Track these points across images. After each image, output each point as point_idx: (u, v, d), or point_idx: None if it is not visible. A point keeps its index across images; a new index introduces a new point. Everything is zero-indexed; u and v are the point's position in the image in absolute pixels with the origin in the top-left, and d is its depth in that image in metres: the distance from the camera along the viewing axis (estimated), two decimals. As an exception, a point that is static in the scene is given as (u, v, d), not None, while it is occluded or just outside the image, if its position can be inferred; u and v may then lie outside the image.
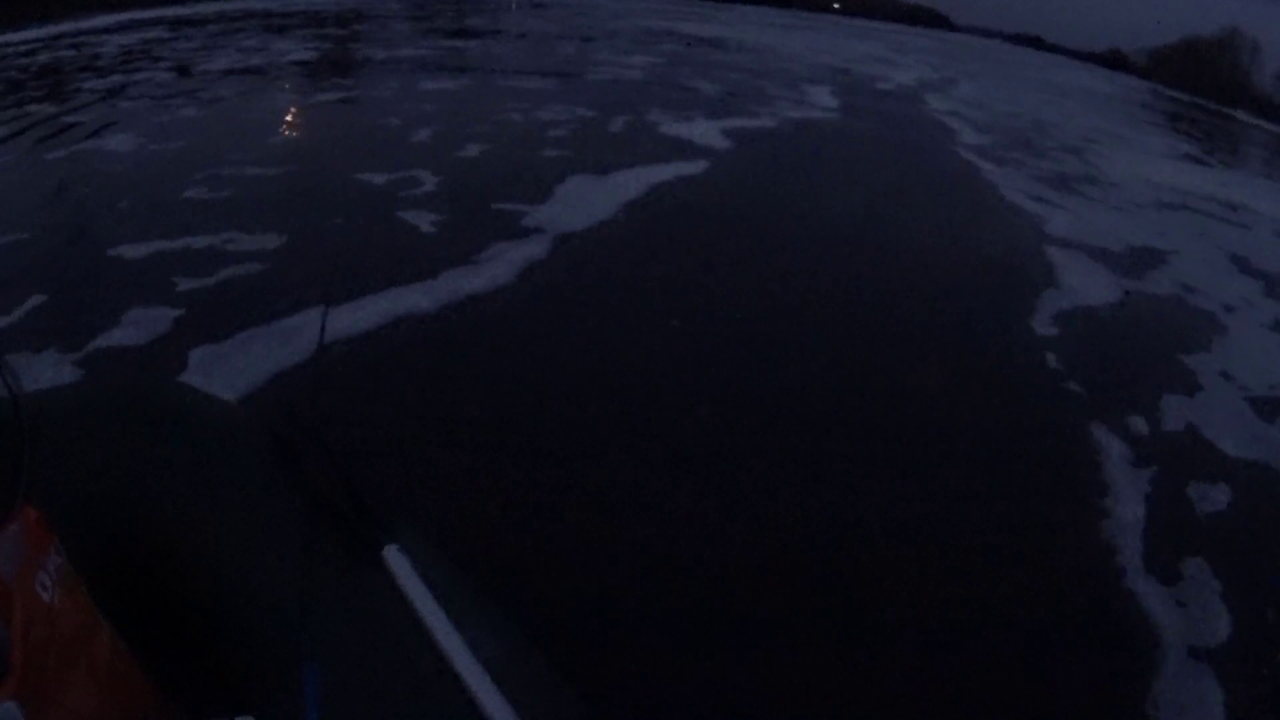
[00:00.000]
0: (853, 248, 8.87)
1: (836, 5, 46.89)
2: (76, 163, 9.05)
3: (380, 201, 8.30)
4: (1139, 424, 5.98)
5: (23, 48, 16.82)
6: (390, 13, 25.66)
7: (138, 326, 5.63)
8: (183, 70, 14.76)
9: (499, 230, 7.69)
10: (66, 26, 19.99)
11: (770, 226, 9.15)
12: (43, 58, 16.08)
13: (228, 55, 16.29)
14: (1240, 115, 47.33)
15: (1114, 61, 61.79)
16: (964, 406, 5.96)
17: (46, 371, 4.96)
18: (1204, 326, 8.39)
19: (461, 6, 29.54)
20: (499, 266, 6.94)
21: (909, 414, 5.74)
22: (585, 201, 8.60)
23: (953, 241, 9.63)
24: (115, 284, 6.24)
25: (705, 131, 12.42)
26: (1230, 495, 5.37)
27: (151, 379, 3.78)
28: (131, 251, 6.70)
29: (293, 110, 12.24)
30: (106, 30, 19.86)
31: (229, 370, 5.27)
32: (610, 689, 3.12)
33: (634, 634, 3.56)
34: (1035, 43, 48.67)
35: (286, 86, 14.06)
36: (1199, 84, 59.60)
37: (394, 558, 1.96)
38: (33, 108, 11.38)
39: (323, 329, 5.59)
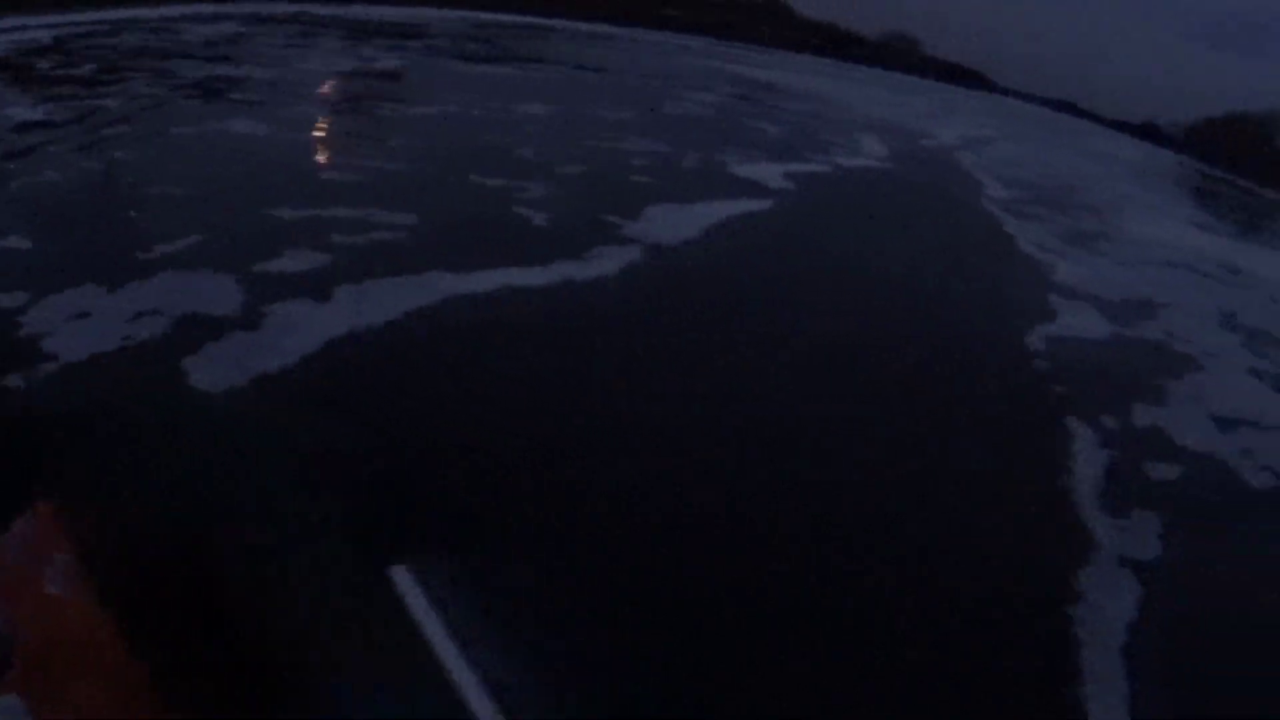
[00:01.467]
0: (884, 279, 10.69)
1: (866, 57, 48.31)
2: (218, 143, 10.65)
3: (497, 201, 10.09)
4: (1109, 420, 7.79)
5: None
6: (453, 31, 27.04)
7: (294, 261, 7.31)
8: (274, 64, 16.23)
9: (603, 237, 9.45)
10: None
11: (820, 255, 11.01)
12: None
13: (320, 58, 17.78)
14: (1270, 193, 48.49)
15: (1149, 133, 62.69)
16: (965, 404, 7.73)
17: (214, 288, 6.54)
18: (1182, 364, 10.16)
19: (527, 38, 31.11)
20: (604, 264, 8.69)
21: (919, 414, 7.38)
22: (676, 221, 10.48)
23: (969, 280, 11.51)
24: (278, 232, 7.92)
25: (769, 173, 14.34)
26: (1180, 469, 7.23)
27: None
28: (290, 214, 8.43)
29: (400, 117, 13.90)
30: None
31: (367, 304, 6.80)
32: (615, 709, 3.43)
33: (642, 659, 3.83)
34: (1070, 108, 49.71)
35: (383, 94, 15.61)
36: (1234, 160, 60.56)
37: (401, 578, 2.08)
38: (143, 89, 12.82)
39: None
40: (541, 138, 13.72)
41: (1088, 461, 6.92)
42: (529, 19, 32.72)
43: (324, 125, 12.52)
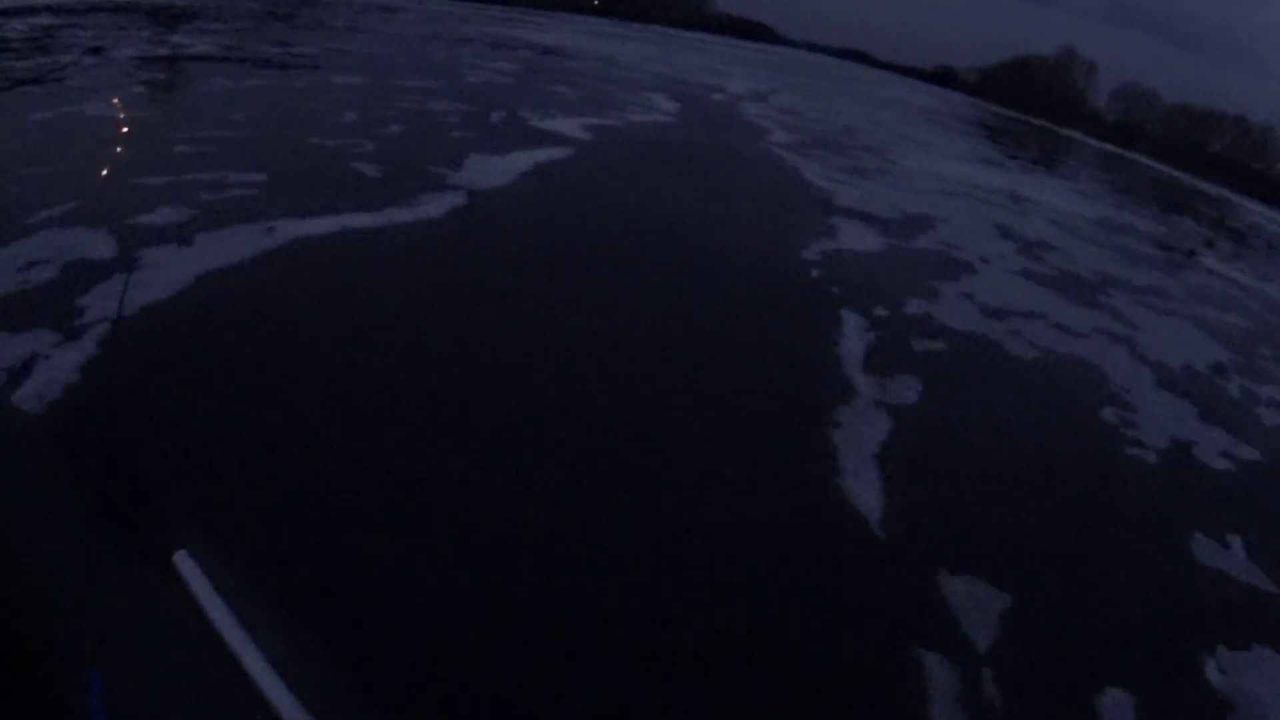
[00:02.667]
0: (678, 211, 11.66)
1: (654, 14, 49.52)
2: None
3: (333, 157, 10.95)
4: (881, 310, 8.98)
5: None
6: (250, 12, 27.33)
7: (160, 216, 8.11)
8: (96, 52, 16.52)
9: (428, 185, 10.40)
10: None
11: (619, 192, 11.99)
12: None
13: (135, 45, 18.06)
14: (1062, 131, 51.44)
15: (944, 78, 65.72)
16: (752, 303, 8.72)
17: (93, 241, 7.33)
18: (957, 268, 11.54)
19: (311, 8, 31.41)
20: (431, 208, 9.53)
21: (709, 308, 8.35)
22: (486, 170, 11.37)
23: (757, 204, 12.66)
24: (143, 194, 8.45)
25: (568, 126, 15.61)
26: (943, 344, 8.43)
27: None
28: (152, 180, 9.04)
29: (228, 91, 14.51)
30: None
31: (224, 247, 7.59)
32: (396, 686, 3.65)
33: (421, 630, 3.99)
34: (860, 57, 51.94)
35: (208, 75, 16.12)
36: (1029, 101, 64.35)
37: (184, 563, 1.99)
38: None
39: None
40: (361, 104, 14.62)
41: (859, 340, 8.06)
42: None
43: (161, 104, 13.07)
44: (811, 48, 50.84)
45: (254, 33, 22.99)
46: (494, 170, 11.37)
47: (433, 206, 9.50)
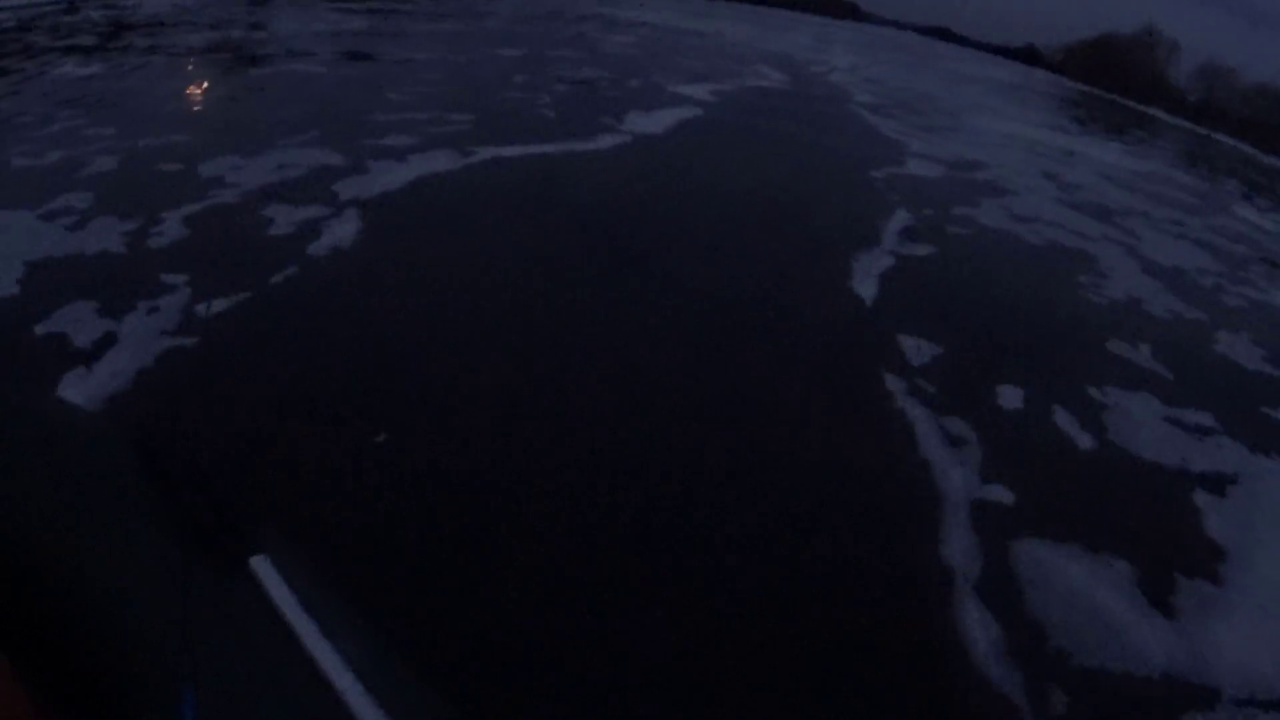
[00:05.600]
0: (788, 148, 14.93)
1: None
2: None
3: (518, 106, 14.44)
4: (929, 211, 12.06)
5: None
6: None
7: (387, 141, 10.82)
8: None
9: (599, 129, 13.71)
10: None
11: (744, 137, 15.51)
12: None
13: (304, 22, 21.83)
14: (1142, 108, 52.44)
15: (1027, 56, 66.63)
16: (829, 211, 11.70)
17: (330, 156, 9.92)
18: (998, 192, 14.52)
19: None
20: (604, 142, 12.88)
21: (800, 213, 11.43)
22: (644, 120, 14.95)
23: (842, 144, 16.14)
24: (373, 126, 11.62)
25: (699, 91, 19.25)
26: (967, 230, 11.51)
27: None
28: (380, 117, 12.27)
29: (407, 59, 18.17)
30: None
31: (431, 163, 10.53)
32: (477, 692, 3.70)
33: (500, 638, 3.99)
34: (944, 34, 53.57)
35: (389, 48, 19.22)
36: (1110, 79, 65.02)
37: (262, 568, 2.05)
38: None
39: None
40: (527, 70, 18.48)
41: (900, 224, 11.20)
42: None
43: (362, 67, 16.78)
44: (898, 25, 52.43)
45: (391, 15, 26.37)
46: (647, 121, 14.66)
47: (602, 142, 12.73)
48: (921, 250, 10.15)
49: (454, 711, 2.41)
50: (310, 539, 4.29)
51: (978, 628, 4.65)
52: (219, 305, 6.93)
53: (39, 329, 6.53)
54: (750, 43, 30.99)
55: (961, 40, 54.67)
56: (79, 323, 6.65)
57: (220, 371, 6.17)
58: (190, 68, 15.29)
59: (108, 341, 6.35)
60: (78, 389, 5.81)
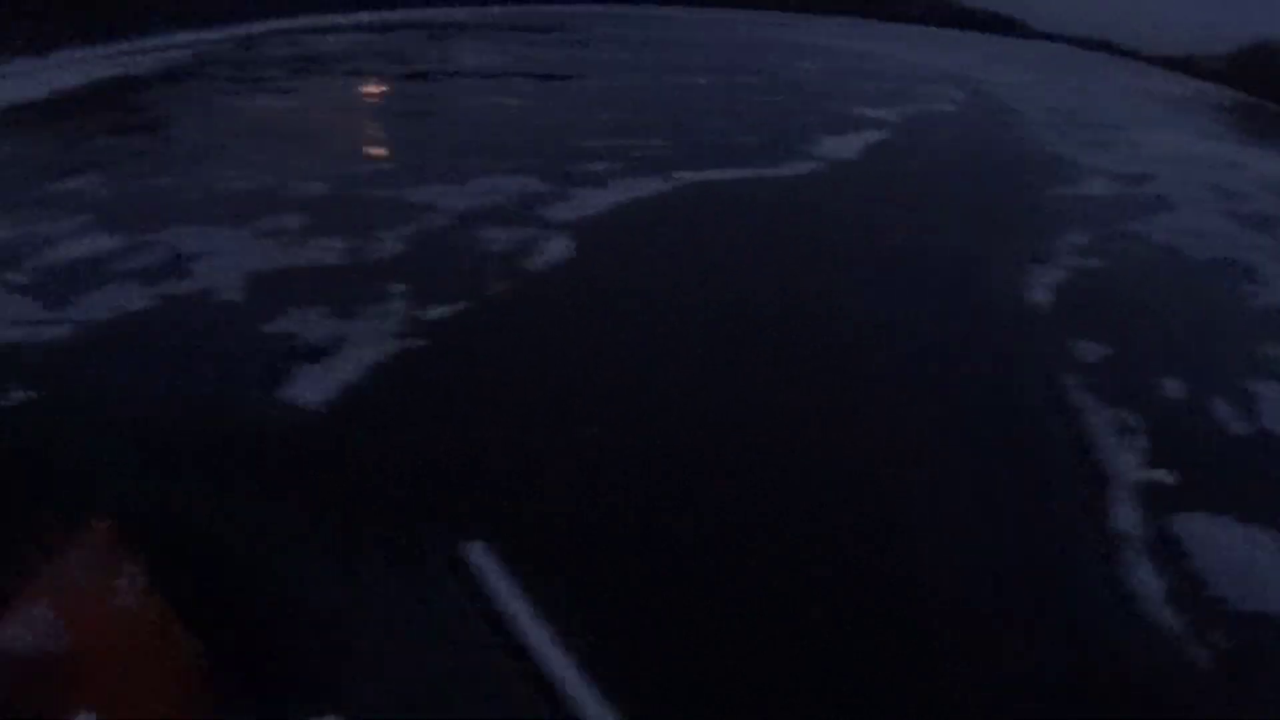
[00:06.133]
0: (966, 166, 16.40)
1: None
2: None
3: (711, 132, 15.89)
4: (1098, 227, 13.33)
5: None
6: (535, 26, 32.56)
7: (588, 167, 12.69)
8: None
9: (791, 154, 15.01)
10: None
11: (930, 154, 17.11)
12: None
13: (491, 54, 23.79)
14: None
15: (1187, 66, 65.02)
16: (1001, 225, 13.04)
17: (535, 182, 11.73)
18: (1162, 206, 15.81)
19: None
20: (797, 167, 14.18)
21: (982, 225, 12.85)
22: (836, 144, 16.19)
23: (1013, 161, 17.58)
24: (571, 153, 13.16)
25: (886, 114, 20.42)
26: (1136, 242, 12.60)
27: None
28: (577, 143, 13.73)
29: (599, 87, 19.99)
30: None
31: (634, 188, 11.92)
32: (698, 682, 3.73)
33: (719, 628, 4.03)
34: (1105, 47, 52.97)
35: (566, 78, 21.42)
36: (1271, 87, 63.03)
37: (477, 555, 2.12)
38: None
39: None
40: (714, 96, 20.17)
41: (1071, 239, 12.62)
42: (587, 8, 37.59)
43: (546, 97, 18.77)
44: (1059, 39, 52.03)
45: (573, 45, 28.36)
46: (838, 145, 15.69)
47: (798, 167, 13.82)
48: (1091, 263, 11.09)
49: (668, 703, 2.49)
50: (524, 529, 4.34)
51: (1151, 579, 5.29)
52: (440, 313, 7.75)
53: (268, 328, 7.38)
54: (922, 63, 31.99)
55: (1122, 52, 53.86)
56: (308, 324, 7.48)
57: (442, 372, 6.74)
58: (381, 100, 17.59)
59: (337, 341, 7.10)
60: (310, 382, 6.38)
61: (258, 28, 25.54)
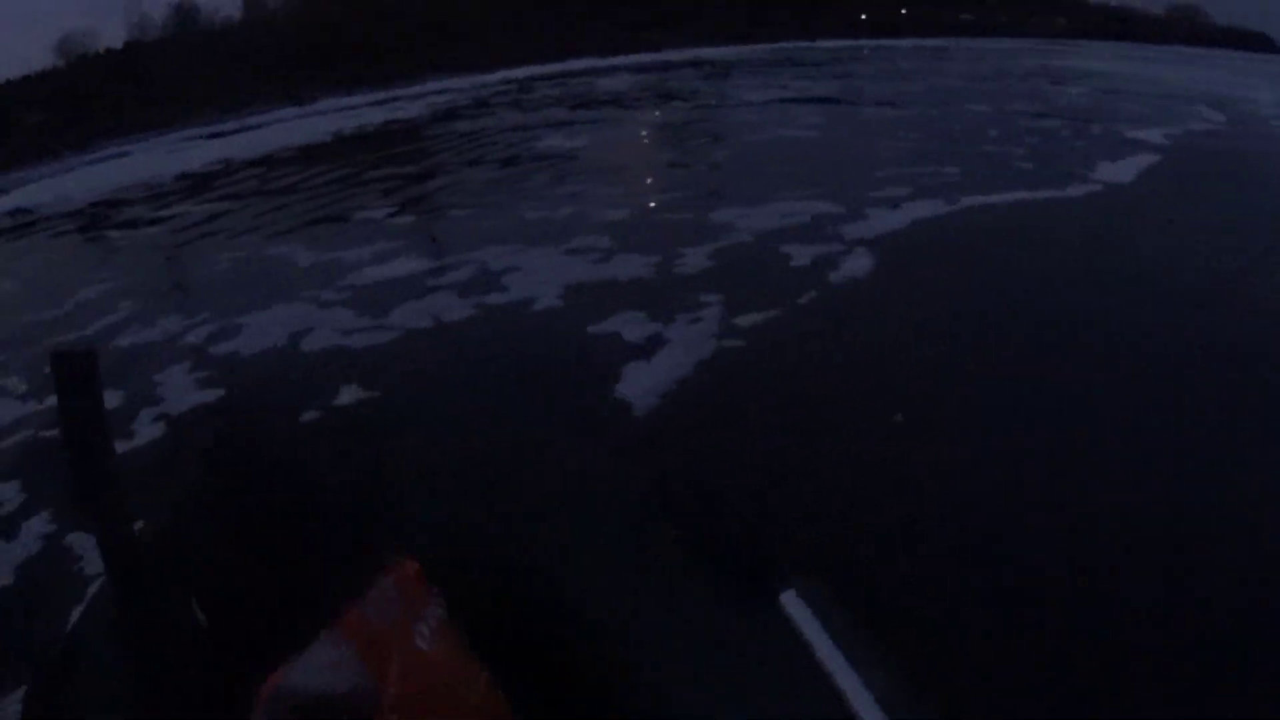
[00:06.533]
0: (1245, 185, 14.48)
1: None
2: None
3: (994, 158, 15.60)
4: None
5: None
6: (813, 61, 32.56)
7: (881, 192, 12.57)
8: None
9: (1069, 176, 14.01)
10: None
11: (1206, 177, 14.98)
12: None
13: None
14: None
15: None
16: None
17: (828, 205, 11.60)
18: None
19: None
20: (1075, 190, 13.11)
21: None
22: (1111, 168, 14.92)
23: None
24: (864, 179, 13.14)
25: (1152, 135, 18.79)
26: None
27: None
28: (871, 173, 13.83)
29: (885, 117, 20.66)
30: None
31: (918, 211, 11.47)
32: None
33: (1034, 684, 3.61)
34: None
35: (850, 111, 22.15)
36: None
37: (792, 603, 2.09)
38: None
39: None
40: (990, 124, 19.85)
41: None
42: (853, 43, 37.80)
43: (835, 127, 19.34)
44: None
45: (849, 78, 29.05)
46: (1114, 169, 14.72)
47: (1076, 190, 13.04)
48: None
49: None
50: (842, 576, 3.85)
51: None
52: (754, 318, 7.99)
53: (591, 330, 7.93)
54: (1177, 83, 30.83)
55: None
56: (629, 326, 7.95)
57: (759, 380, 6.78)
58: (666, 132, 17.61)
59: (659, 342, 7.50)
60: (638, 378, 6.65)
61: (519, 73, 26.36)
